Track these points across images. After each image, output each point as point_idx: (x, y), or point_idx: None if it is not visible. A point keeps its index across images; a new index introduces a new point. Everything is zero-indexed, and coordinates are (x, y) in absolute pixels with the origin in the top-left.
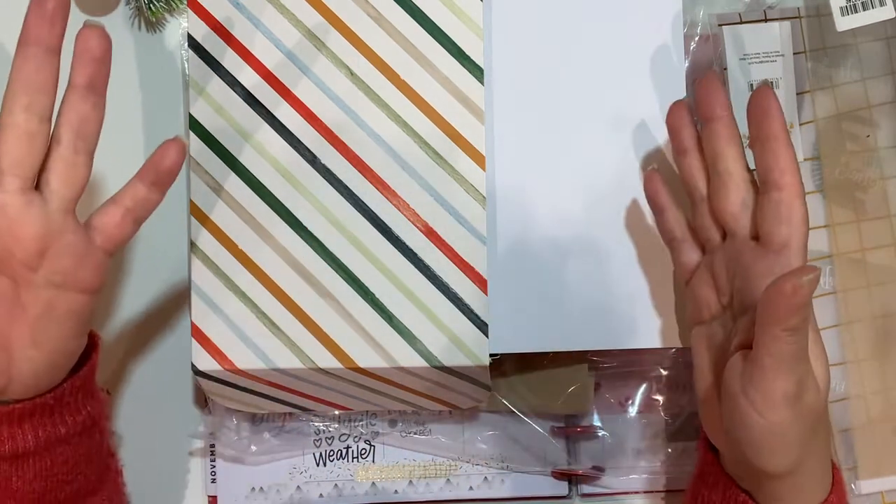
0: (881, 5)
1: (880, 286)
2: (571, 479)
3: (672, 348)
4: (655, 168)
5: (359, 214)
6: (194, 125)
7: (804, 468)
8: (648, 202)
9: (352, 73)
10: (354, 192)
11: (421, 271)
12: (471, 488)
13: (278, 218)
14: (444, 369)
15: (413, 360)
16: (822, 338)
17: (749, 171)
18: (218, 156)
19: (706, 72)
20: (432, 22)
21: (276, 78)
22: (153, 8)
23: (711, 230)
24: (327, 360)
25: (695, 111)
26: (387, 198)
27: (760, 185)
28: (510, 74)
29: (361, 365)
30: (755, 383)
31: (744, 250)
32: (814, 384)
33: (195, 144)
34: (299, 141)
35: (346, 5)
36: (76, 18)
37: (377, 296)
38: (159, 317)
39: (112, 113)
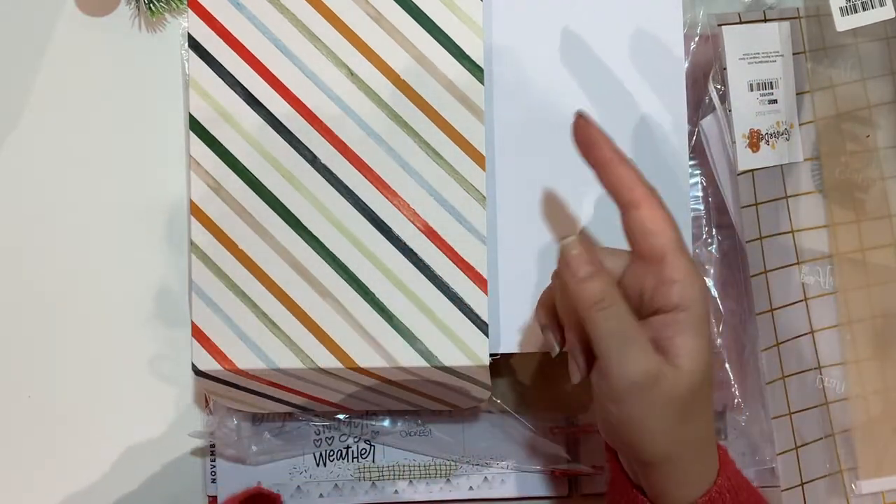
0: (881, 5)
1: (880, 286)
2: (571, 479)
3: None
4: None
5: (359, 214)
6: (194, 125)
7: (681, 455)
8: None
9: (352, 73)
10: (354, 191)
11: (421, 271)
12: (471, 488)
13: (278, 218)
14: (444, 369)
15: (413, 359)
16: (822, 338)
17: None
18: (218, 156)
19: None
20: (432, 22)
21: (275, 77)
22: (153, 8)
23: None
24: (327, 360)
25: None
26: (387, 197)
27: (618, 207)
28: (510, 74)
29: (361, 365)
30: (601, 373)
31: (635, 272)
32: (667, 366)
33: (195, 144)
34: (299, 141)
35: (346, 5)
36: (76, 18)
37: (377, 295)
38: (159, 317)
39: (112, 113)
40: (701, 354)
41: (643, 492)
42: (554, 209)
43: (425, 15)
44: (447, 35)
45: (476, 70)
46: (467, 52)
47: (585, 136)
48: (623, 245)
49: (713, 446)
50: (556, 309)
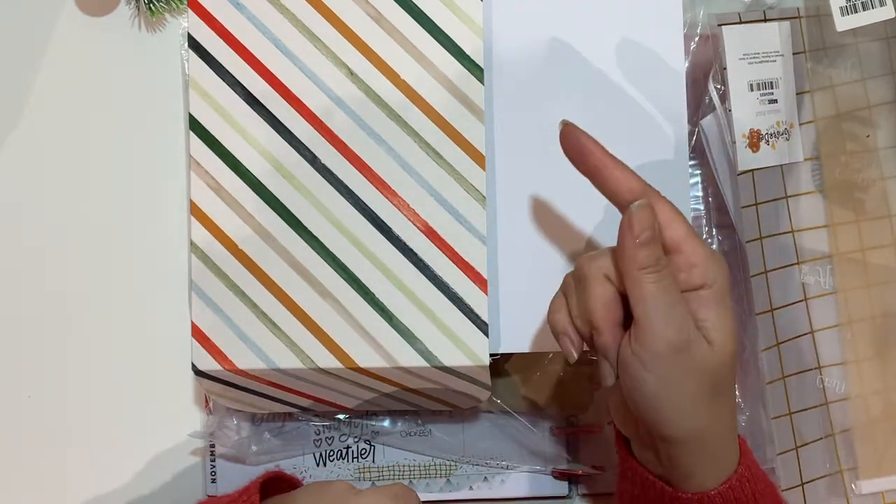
0: (881, 5)
1: (880, 286)
2: (571, 479)
3: None
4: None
5: (359, 214)
6: (194, 125)
7: (709, 434)
8: None
9: (351, 73)
10: (354, 191)
11: (421, 271)
12: (471, 488)
13: (278, 218)
14: (444, 369)
15: (413, 360)
16: (822, 338)
17: None
18: (218, 156)
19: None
20: (432, 21)
21: (275, 77)
22: (153, 8)
23: None
24: (327, 360)
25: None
26: (387, 197)
27: (622, 208)
28: (510, 74)
29: (361, 365)
30: (639, 339)
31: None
32: (702, 338)
33: (195, 144)
34: (299, 141)
35: (347, 5)
36: (76, 18)
37: (377, 295)
38: (159, 317)
39: (112, 113)
40: (728, 328)
41: (664, 479)
42: (554, 209)
43: (425, 15)
44: (447, 35)
45: (476, 70)
46: (467, 52)
47: (575, 144)
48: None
49: (735, 432)
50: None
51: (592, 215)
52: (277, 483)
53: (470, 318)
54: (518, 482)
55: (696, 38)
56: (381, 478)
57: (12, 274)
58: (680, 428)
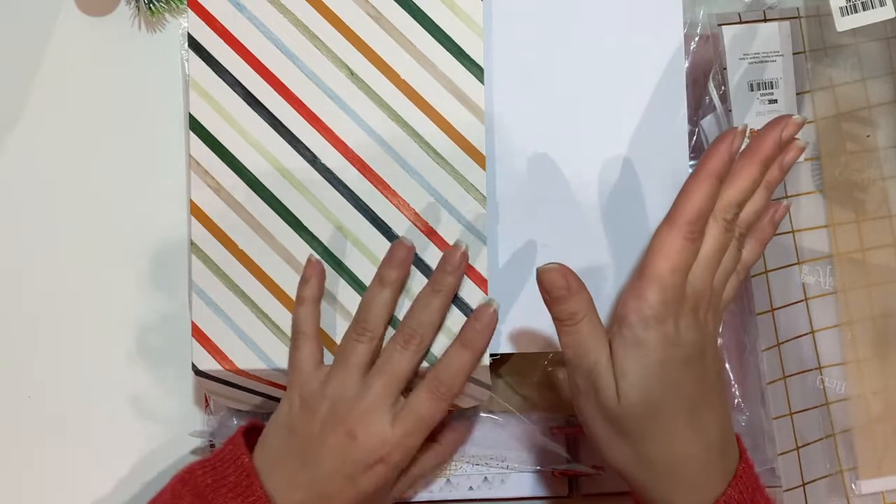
0: (881, 5)
1: (880, 286)
2: (571, 479)
3: None
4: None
5: (359, 214)
6: (194, 125)
7: (642, 475)
8: None
9: (352, 73)
10: (354, 191)
11: (421, 271)
12: (471, 488)
13: (278, 218)
14: None
15: None
16: (823, 338)
17: None
18: (218, 155)
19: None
20: (432, 21)
21: (276, 78)
22: (153, 8)
23: None
24: (327, 360)
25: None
26: (387, 197)
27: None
28: (510, 74)
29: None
30: (568, 374)
31: None
32: (609, 385)
33: (195, 144)
34: (299, 141)
35: (347, 5)
36: (76, 18)
37: None
38: (159, 317)
39: (112, 113)
40: (636, 376)
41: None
42: (554, 209)
43: (425, 14)
44: (447, 35)
45: (476, 69)
46: (467, 52)
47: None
48: (622, 242)
49: (704, 469)
50: None
51: (593, 215)
52: (259, 432)
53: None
54: (518, 482)
55: (696, 38)
56: None
57: (12, 274)
58: (609, 459)
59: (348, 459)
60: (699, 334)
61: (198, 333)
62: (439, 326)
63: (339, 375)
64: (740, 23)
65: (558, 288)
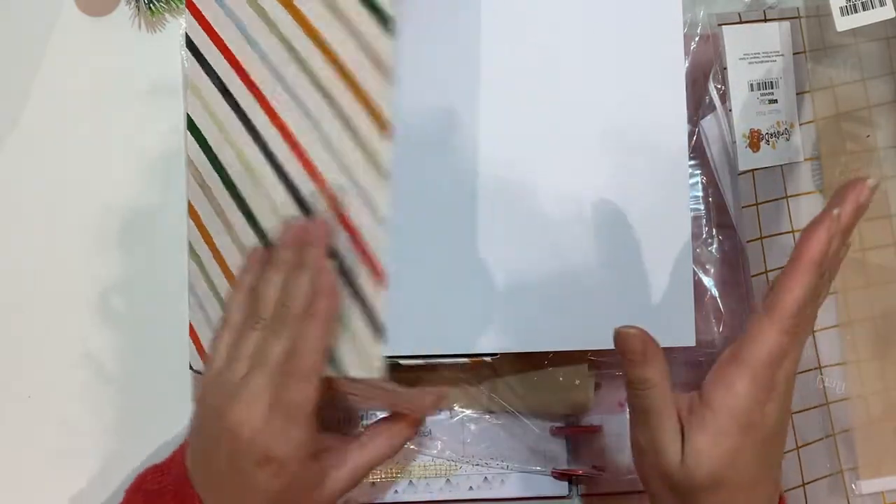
0: (881, 5)
1: (880, 286)
2: (571, 479)
3: (671, 348)
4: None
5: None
6: (191, 126)
7: None
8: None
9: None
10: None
11: (341, 272)
12: (471, 488)
13: (246, 222)
14: (352, 379)
15: (330, 370)
16: (822, 338)
17: None
18: (207, 158)
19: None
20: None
21: (256, 87)
22: (153, 8)
23: None
24: None
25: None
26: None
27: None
28: (506, 74)
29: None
30: (630, 429)
31: None
32: (673, 451)
33: (191, 145)
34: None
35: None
36: (76, 18)
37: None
38: (159, 317)
39: (112, 113)
40: (709, 456)
41: None
42: (553, 209)
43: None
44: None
45: (383, 20)
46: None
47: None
48: (621, 242)
49: None
50: None
51: (593, 214)
52: None
53: (365, 317)
54: (518, 482)
55: (696, 38)
56: (381, 478)
57: (12, 274)
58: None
59: (238, 458)
60: (782, 414)
61: (193, 334)
62: (308, 306)
63: (227, 370)
64: (740, 23)
65: (635, 353)
